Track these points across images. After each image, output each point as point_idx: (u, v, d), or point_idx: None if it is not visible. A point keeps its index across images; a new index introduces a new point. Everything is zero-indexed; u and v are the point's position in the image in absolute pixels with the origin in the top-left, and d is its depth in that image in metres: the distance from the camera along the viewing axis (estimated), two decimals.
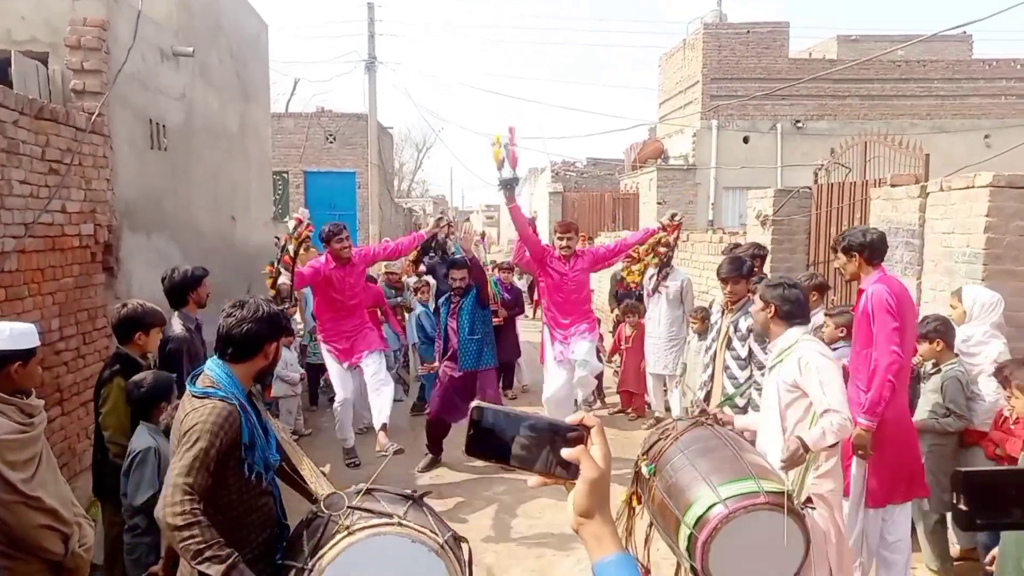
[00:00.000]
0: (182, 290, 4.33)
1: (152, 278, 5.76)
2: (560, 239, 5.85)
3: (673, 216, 5.70)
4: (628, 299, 7.88)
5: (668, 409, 7.51)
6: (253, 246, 9.27)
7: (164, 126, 6.62)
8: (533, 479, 1.01)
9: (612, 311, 9.06)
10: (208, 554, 2.08)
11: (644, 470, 3.01)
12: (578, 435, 0.98)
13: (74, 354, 5.03)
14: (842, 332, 4.33)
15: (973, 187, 4.38)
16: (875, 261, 3.80)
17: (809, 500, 3.06)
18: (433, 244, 6.07)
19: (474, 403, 1.00)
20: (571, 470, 0.97)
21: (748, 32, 18.41)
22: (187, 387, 2.37)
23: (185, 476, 2.14)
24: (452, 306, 5.91)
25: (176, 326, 4.20)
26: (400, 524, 2.38)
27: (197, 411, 2.25)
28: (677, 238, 5.50)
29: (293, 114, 18.04)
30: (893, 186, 5.18)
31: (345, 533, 2.31)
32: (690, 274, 7.64)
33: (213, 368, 2.37)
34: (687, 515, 2.64)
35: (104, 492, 3.58)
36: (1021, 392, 2.99)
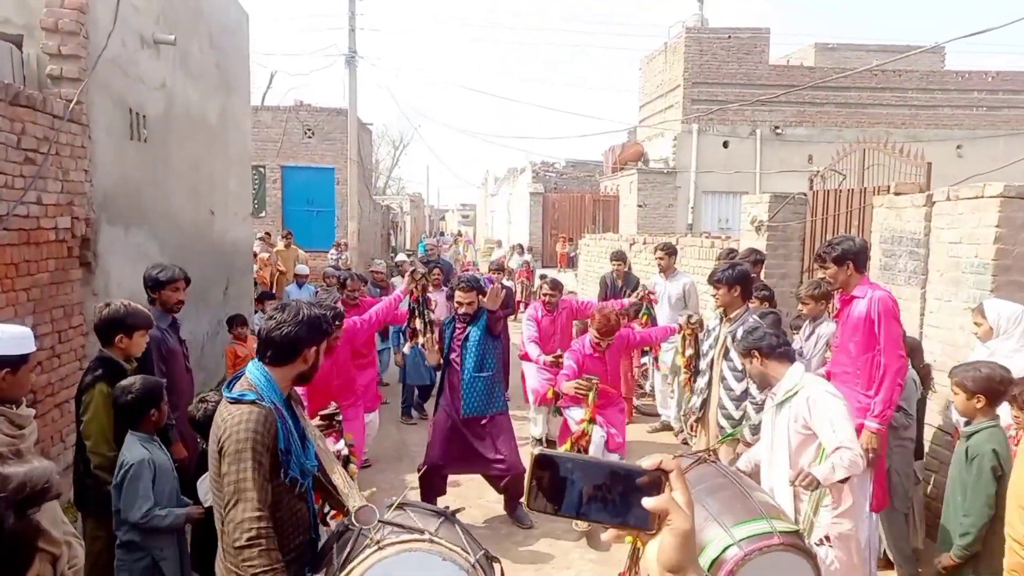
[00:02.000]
0: (145, 290, 4.17)
1: (130, 274, 5.49)
2: (599, 341, 5.08)
3: (690, 318, 5.49)
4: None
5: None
6: (231, 241, 9.01)
7: (144, 116, 6.34)
8: (607, 532, 0.90)
9: None
10: None
11: None
12: (654, 480, 0.87)
13: (49, 353, 4.76)
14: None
15: (983, 197, 4.35)
16: (862, 268, 3.87)
17: (828, 539, 3.10)
18: (419, 303, 5.50)
19: (536, 451, 0.89)
20: (649, 520, 0.86)
21: (729, 37, 18.50)
22: (223, 392, 2.34)
23: (249, 492, 2.15)
24: (456, 334, 4.88)
25: None
26: (431, 541, 2.32)
27: (232, 417, 2.21)
28: (696, 339, 5.31)
29: (271, 107, 17.60)
30: (897, 194, 5.15)
31: (375, 548, 2.25)
32: None
33: (252, 371, 2.35)
34: (701, 558, 2.65)
35: (86, 504, 3.36)
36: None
